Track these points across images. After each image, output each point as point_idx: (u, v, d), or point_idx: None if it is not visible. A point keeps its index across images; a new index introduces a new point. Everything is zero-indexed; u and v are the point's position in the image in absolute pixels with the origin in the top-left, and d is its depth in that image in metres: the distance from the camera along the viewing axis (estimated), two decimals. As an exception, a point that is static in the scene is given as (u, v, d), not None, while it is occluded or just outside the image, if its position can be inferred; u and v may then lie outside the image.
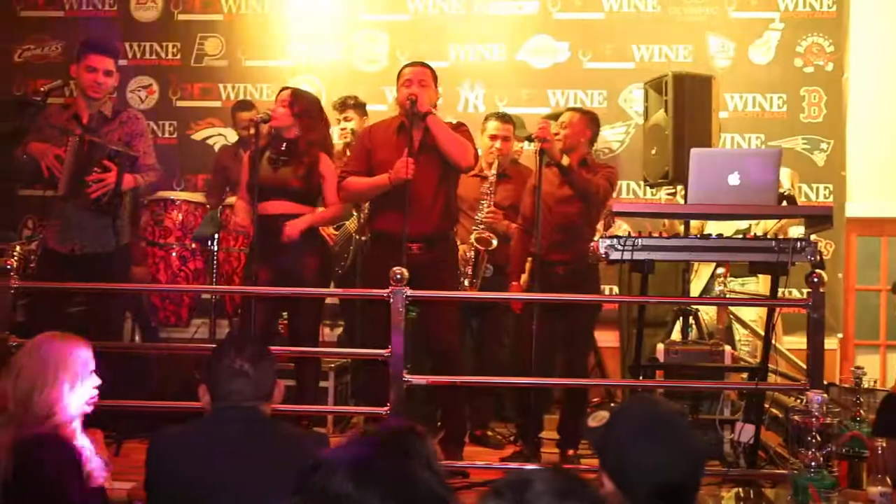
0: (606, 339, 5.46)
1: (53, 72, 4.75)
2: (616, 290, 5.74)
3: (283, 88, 4.57)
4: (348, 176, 4.38)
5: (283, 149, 4.44)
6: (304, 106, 4.46)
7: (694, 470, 1.75)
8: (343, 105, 5.52)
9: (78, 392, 2.63)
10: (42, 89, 4.56)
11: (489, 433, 4.91)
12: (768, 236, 3.80)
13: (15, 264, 3.98)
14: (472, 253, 4.72)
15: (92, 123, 4.47)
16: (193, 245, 5.29)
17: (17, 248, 4.83)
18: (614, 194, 4.86)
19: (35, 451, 2.52)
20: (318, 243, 4.56)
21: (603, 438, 1.78)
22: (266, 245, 4.28)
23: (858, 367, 3.80)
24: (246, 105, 5.80)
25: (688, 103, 5.06)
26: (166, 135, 6.44)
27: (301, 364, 4.48)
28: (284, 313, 4.72)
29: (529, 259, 4.47)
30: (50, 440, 2.55)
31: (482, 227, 4.78)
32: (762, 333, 4.38)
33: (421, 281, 3.94)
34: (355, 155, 4.53)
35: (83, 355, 2.66)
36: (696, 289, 5.00)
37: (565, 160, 4.35)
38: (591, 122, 4.64)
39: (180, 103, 6.52)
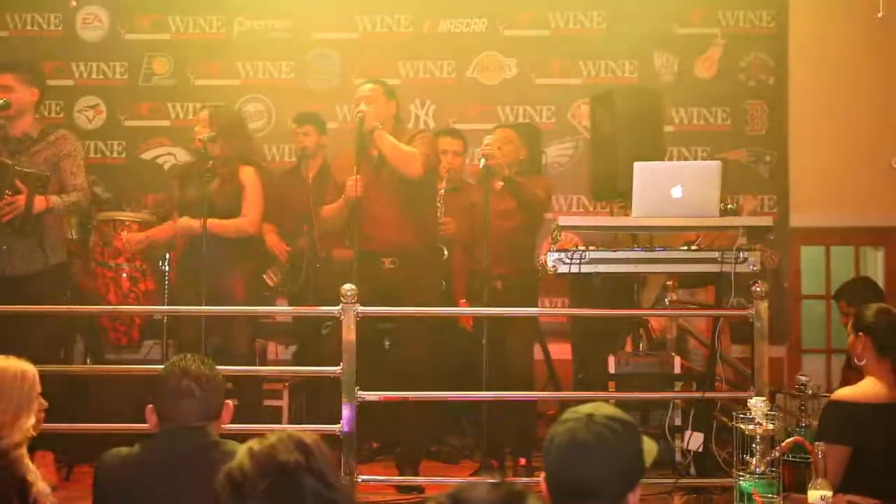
0: (559, 351, 5.50)
1: (-3, 94, 4.67)
2: (567, 302, 5.80)
3: (200, 110, 4.67)
4: (324, 207, 4.54)
5: (208, 166, 4.48)
6: (222, 122, 4.53)
7: (629, 479, 1.79)
8: (303, 118, 5.52)
9: (25, 416, 2.59)
10: None
11: (445, 448, 4.93)
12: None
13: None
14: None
15: (18, 144, 4.41)
16: (144, 265, 5.25)
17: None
18: (564, 206, 4.97)
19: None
20: (245, 262, 4.60)
21: (546, 445, 1.84)
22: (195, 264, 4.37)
23: (802, 374, 3.88)
24: (307, 118, 5.51)
25: (634, 117, 5.14)
26: (115, 154, 6.39)
27: (241, 383, 4.49)
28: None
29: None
30: (-5, 466, 2.51)
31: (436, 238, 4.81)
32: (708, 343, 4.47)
33: (397, 295, 3.98)
34: (328, 186, 4.65)
35: (29, 378, 2.63)
36: (647, 300, 5.08)
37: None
38: (524, 136, 4.78)
39: (129, 123, 6.47)
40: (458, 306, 4.67)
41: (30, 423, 2.62)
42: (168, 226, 4.80)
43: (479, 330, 4.45)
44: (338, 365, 3.81)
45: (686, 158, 6.22)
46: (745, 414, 2.93)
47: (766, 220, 4.00)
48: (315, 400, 5.13)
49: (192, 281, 4.40)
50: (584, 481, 1.77)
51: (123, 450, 2.43)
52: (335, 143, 5.43)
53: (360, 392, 3.78)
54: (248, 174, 4.57)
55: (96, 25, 6.48)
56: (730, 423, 3.90)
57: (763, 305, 3.67)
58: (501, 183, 4.48)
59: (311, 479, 1.56)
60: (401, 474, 4.26)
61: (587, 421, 1.84)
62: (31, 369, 2.67)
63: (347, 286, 3.77)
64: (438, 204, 4.87)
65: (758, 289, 3.67)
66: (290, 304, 5.45)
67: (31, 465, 2.61)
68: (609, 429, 1.82)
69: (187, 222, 4.52)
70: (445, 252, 4.71)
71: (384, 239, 4.23)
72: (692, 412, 4.10)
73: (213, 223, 4.47)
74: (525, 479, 4.26)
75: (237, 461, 1.60)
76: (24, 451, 2.59)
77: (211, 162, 4.50)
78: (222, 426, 2.49)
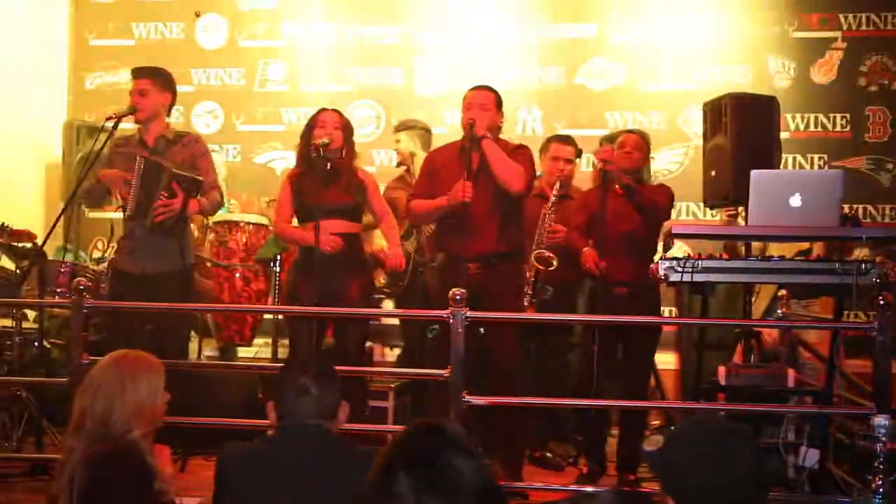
0: (665, 361, 5.42)
1: (123, 99, 4.89)
2: (675, 311, 5.70)
3: (323, 110, 4.60)
4: (413, 199, 4.50)
5: (329, 168, 4.47)
6: (349, 124, 4.58)
7: (755, 489, 1.73)
8: (396, 128, 5.60)
9: (153, 409, 2.70)
10: (111, 115, 4.66)
11: (548, 454, 4.90)
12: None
13: (87, 284, 4.10)
14: (532, 272, 4.73)
15: (157, 146, 4.55)
16: (256, 266, 5.40)
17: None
18: (673, 214, 4.86)
19: (106, 466, 2.57)
20: (361, 265, 4.62)
21: (661, 461, 1.77)
22: (312, 267, 4.34)
23: (926, 392, 3.72)
24: (407, 124, 5.62)
25: (748, 124, 5.02)
26: (230, 158, 6.59)
27: (347, 384, 4.53)
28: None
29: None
30: (121, 455, 2.60)
31: (543, 246, 4.78)
32: (825, 356, 4.32)
33: (480, 301, 3.97)
34: (420, 178, 4.65)
35: (157, 372, 2.73)
36: (758, 310, 4.95)
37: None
38: (648, 143, 4.69)
39: (243, 127, 6.67)
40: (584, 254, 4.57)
41: (157, 416, 2.72)
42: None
43: (588, 337, 4.43)
44: (441, 368, 3.83)
45: (801, 166, 6.04)
46: (868, 431, 2.83)
47: (889, 231, 3.85)
48: (419, 402, 5.17)
49: (311, 281, 4.41)
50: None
51: (244, 444, 2.50)
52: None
53: (467, 396, 3.79)
54: (366, 175, 4.59)
55: (215, 33, 6.72)
56: (849, 441, 3.79)
57: (887, 318, 3.53)
58: (619, 189, 4.43)
59: (459, 456, 1.57)
60: (502, 479, 4.25)
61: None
62: (159, 363, 2.77)
63: (457, 291, 3.79)
64: (549, 212, 4.83)
65: (882, 301, 3.53)
66: (395, 307, 5.52)
67: (155, 457, 2.70)
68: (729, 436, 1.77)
69: (333, 226, 4.40)
70: (555, 262, 4.66)
71: (475, 244, 4.22)
72: (807, 428, 3.96)
73: (387, 232, 4.57)
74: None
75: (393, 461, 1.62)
76: (150, 442, 2.69)
77: (330, 164, 4.45)
78: (340, 426, 2.53)
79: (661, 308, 4.94)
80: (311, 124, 4.52)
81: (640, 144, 4.62)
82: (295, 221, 4.63)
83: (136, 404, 2.64)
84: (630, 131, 5.00)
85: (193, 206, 4.45)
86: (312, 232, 4.30)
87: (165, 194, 4.36)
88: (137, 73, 4.59)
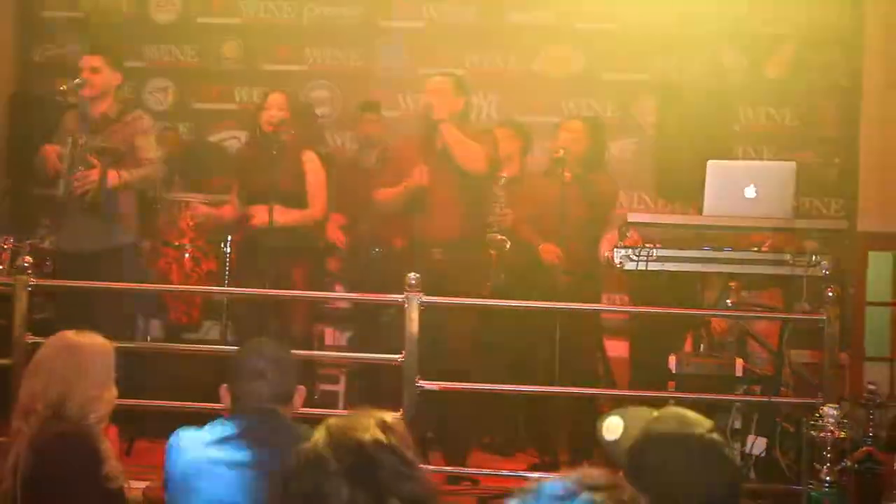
0: (617, 348, 5.46)
1: (72, 72, 4.77)
2: (627, 299, 5.75)
3: (272, 92, 4.62)
4: (379, 190, 4.52)
5: (273, 152, 4.47)
6: (295, 106, 4.60)
7: (733, 488, 1.73)
8: (368, 106, 5.55)
9: (108, 391, 2.64)
10: (61, 88, 4.59)
11: (498, 441, 4.91)
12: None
13: (31, 262, 4.01)
14: (488, 257, 4.73)
15: (96, 124, 4.51)
16: (206, 246, 5.30)
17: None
18: (626, 204, 4.92)
19: (53, 451, 2.51)
20: (307, 250, 4.61)
21: (636, 459, 1.74)
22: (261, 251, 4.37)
23: (871, 383, 3.80)
24: (373, 106, 5.67)
25: (702, 115, 5.08)
26: (183, 137, 6.47)
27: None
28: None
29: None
30: (69, 440, 2.54)
31: (495, 229, 4.78)
32: (773, 346, 4.39)
33: (443, 285, 3.97)
34: (384, 168, 4.71)
35: (109, 354, 2.67)
36: (708, 300, 5.00)
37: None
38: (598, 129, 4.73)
39: (197, 105, 6.55)
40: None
41: (112, 397, 2.66)
42: (230, 208, 4.79)
43: (537, 323, 4.44)
44: (393, 352, 3.81)
45: (752, 158, 6.11)
46: (815, 420, 2.88)
47: (841, 224, 3.92)
48: (372, 386, 5.15)
49: (255, 264, 4.43)
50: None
51: (196, 429, 2.45)
52: (395, 131, 5.45)
53: (420, 381, 3.78)
54: (311, 161, 4.57)
55: (169, 8, 6.57)
56: (795, 429, 3.86)
57: (835, 311, 3.59)
58: (569, 176, 4.45)
59: (392, 457, 1.55)
60: (448, 464, 4.26)
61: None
62: (109, 345, 2.71)
63: (412, 275, 3.77)
64: (499, 194, 4.84)
65: (831, 294, 3.60)
66: (347, 291, 5.48)
67: (106, 440, 2.64)
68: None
69: (256, 212, 4.48)
70: (508, 243, 4.67)
71: (437, 229, 4.23)
72: (755, 416, 4.03)
73: (281, 215, 4.46)
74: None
75: (315, 439, 1.60)
76: (104, 425, 2.63)
77: (275, 148, 4.48)
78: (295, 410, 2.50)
79: (613, 296, 5.02)
80: (260, 106, 4.56)
81: (585, 131, 4.65)
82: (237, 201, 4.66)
83: (93, 388, 2.58)
84: (578, 118, 5.05)
85: (113, 178, 4.38)
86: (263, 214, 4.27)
87: (82, 167, 4.33)
88: (91, 49, 4.56)
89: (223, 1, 6.55)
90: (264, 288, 4.33)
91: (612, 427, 1.80)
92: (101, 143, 4.41)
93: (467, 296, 4.21)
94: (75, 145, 4.35)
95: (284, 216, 4.47)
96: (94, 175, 4.32)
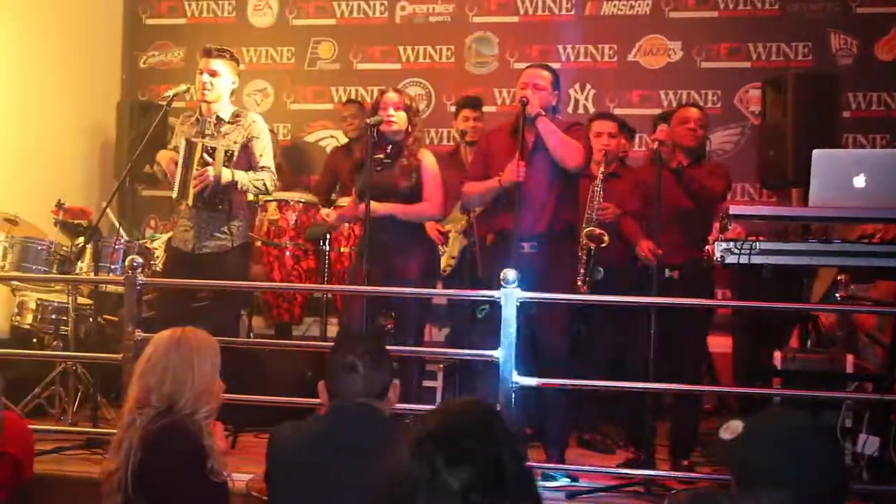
0: (719, 344, 5.32)
1: (176, 77, 4.93)
2: (729, 294, 5.59)
3: (385, 90, 4.59)
4: (467, 181, 4.49)
5: (388, 150, 4.48)
6: (412, 107, 4.54)
7: (835, 494, 1.66)
8: (465, 102, 5.55)
9: (217, 387, 2.71)
10: (166, 94, 4.71)
11: (598, 437, 4.86)
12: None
13: (140, 261, 4.16)
14: (584, 252, 4.67)
15: (210, 126, 4.58)
16: (306, 245, 5.40)
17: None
18: (728, 195, 4.76)
19: (162, 444, 2.60)
20: (423, 244, 4.59)
21: (739, 453, 1.70)
22: (373, 245, 4.34)
23: None
24: (469, 102, 5.64)
25: (808, 103, 4.90)
26: (281, 136, 6.61)
27: (404, 364, 4.52)
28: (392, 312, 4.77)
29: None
30: (177, 434, 2.62)
31: (594, 223, 4.72)
32: (886, 341, 4.21)
33: (534, 280, 3.93)
34: (474, 160, 4.63)
35: (217, 350, 2.74)
36: (816, 294, 4.82)
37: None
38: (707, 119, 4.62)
39: (294, 106, 6.68)
40: (640, 246, 4.51)
41: (220, 393, 2.73)
42: (352, 206, 4.79)
43: (638, 320, 4.36)
44: (489, 348, 3.80)
45: (863, 146, 5.87)
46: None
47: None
48: (468, 382, 5.15)
49: (369, 261, 4.41)
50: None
51: (296, 422, 2.50)
52: (491, 126, 5.42)
53: (517, 377, 3.76)
54: (428, 158, 4.56)
55: (266, 11, 6.73)
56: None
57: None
58: (675, 166, 4.34)
59: (500, 447, 1.55)
60: (546, 460, 4.22)
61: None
62: (215, 342, 2.78)
63: (509, 271, 3.75)
64: (597, 189, 4.77)
65: (947, 286, 3.42)
66: (444, 287, 5.49)
67: (210, 434, 2.71)
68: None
69: (376, 207, 4.41)
70: (607, 238, 4.60)
71: (528, 224, 4.18)
72: (867, 414, 3.86)
73: (402, 209, 4.45)
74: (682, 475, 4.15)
75: (426, 427, 1.60)
76: (212, 421, 2.70)
77: (391, 146, 4.47)
78: (392, 405, 2.51)
79: (715, 290, 4.87)
80: (374, 106, 4.54)
81: (701, 120, 4.52)
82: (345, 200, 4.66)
83: (203, 384, 2.65)
84: (690, 105, 4.88)
85: (227, 175, 4.42)
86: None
87: (198, 167, 4.40)
88: (211, 52, 4.57)
89: (317, 2, 6.66)
90: (382, 284, 4.33)
91: (732, 427, 1.77)
92: (212, 142, 4.47)
93: (562, 291, 4.16)
94: (191, 148, 4.43)
95: (399, 209, 4.45)
96: (209, 172, 4.38)
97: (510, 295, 3.72)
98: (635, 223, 4.53)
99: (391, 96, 4.50)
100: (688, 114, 4.55)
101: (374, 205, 4.35)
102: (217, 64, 4.53)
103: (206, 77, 4.51)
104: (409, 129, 4.49)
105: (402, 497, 1.55)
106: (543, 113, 4.25)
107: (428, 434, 1.59)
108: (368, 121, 4.44)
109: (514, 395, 3.75)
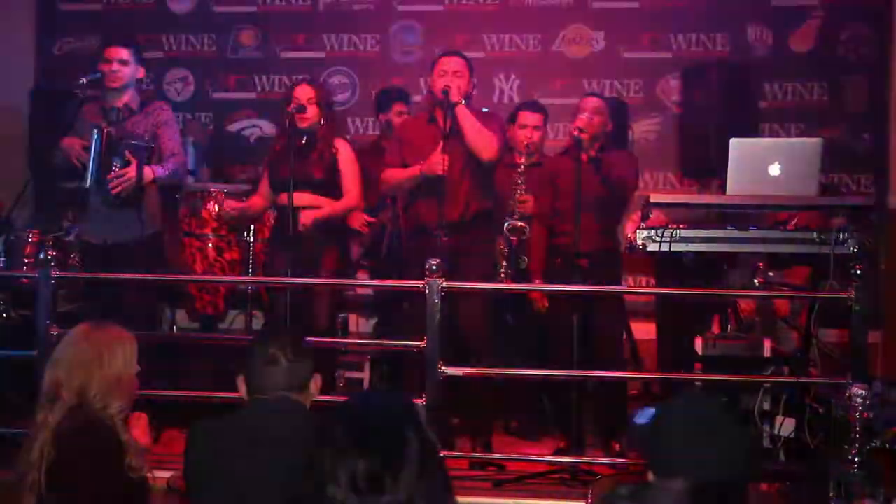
0: (643, 330, 5.41)
1: (91, 65, 4.79)
2: (653, 280, 5.69)
3: (300, 84, 4.60)
4: (386, 169, 4.49)
5: (303, 142, 4.48)
6: (326, 99, 4.55)
7: (743, 470, 1.70)
8: (389, 94, 5.53)
9: (129, 381, 2.65)
10: (80, 82, 4.60)
11: (524, 426, 4.89)
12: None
13: (54, 255, 4.04)
14: (506, 244, 4.69)
15: (118, 115, 4.51)
16: (229, 236, 5.31)
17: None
18: (640, 184, 4.86)
19: (77, 442, 2.53)
20: (335, 236, 4.59)
21: (648, 435, 1.74)
22: (289, 237, 4.34)
23: (902, 362, 3.72)
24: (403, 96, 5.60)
25: (727, 93, 4.99)
26: (202, 125, 6.48)
27: (318, 356, 4.50)
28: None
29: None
30: (92, 431, 2.56)
31: (516, 216, 4.74)
32: (801, 326, 4.32)
33: (448, 268, 3.94)
34: (391, 148, 4.62)
35: (130, 343, 2.69)
36: (735, 280, 4.93)
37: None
38: (613, 109, 4.69)
39: (216, 95, 6.56)
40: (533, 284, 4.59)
41: (133, 388, 2.67)
42: (258, 199, 4.78)
43: (558, 308, 4.41)
44: (416, 338, 3.79)
45: (779, 135, 6.01)
46: (843, 401, 2.82)
47: (867, 200, 3.83)
48: (395, 373, 5.14)
49: (284, 253, 4.41)
50: None
51: (215, 418, 2.46)
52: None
53: (443, 367, 3.76)
54: (344, 148, 4.56)
55: (186, -2, 6.58)
56: (824, 410, 3.80)
57: (865, 289, 3.52)
58: (586, 158, 4.39)
59: (410, 430, 1.57)
60: (472, 449, 4.25)
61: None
62: (130, 335, 2.72)
63: (432, 260, 3.75)
64: (519, 181, 4.79)
65: (859, 271, 3.52)
66: (370, 277, 5.47)
67: (129, 430, 2.66)
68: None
69: (303, 215, 4.44)
70: (527, 230, 4.62)
71: (444, 212, 4.21)
72: (783, 397, 3.97)
73: (324, 210, 4.47)
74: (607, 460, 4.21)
75: (332, 417, 1.61)
76: (125, 416, 2.64)
77: (305, 137, 4.49)
78: (312, 398, 2.49)
79: (637, 278, 4.97)
80: (287, 99, 4.53)
81: (600, 108, 4.57)
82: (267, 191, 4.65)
83: (113, 377, 2.60)
84: (593, 94, 4.97)
85: (148, 175, 4.39)
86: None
87: (117, 165, 4.33)
88: (117, 41, 4.55)
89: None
90: (296, 276, 4.32)
91: (646, 413, 1.80)
92: (131, 137, 4.40)
93: (477, 280, 4.18)
94: (102, 136, 4.36)
95: (327, 210, 4.47)
96: (131, 173, 4.32)
97: (434, 284, 3.72)
98: (543, 238, 4.58)
99: (303, 90, 4.51)
100: (589, 103, 4.59)
101: (305, 213, 4.39)
102: (124, 52, 4.49)
103: (115, 65, 4.46)
104: (322, 122, 4.50)
105: (312, 486, 1.55)
106: (463, 102, 4.27)
107: (333, 422, 1.58)
108: (290, 109, 4.43)
109: (439, 385, 3.75)
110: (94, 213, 4.51)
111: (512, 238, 4.65)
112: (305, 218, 4.41)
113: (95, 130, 4.38)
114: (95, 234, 4.51)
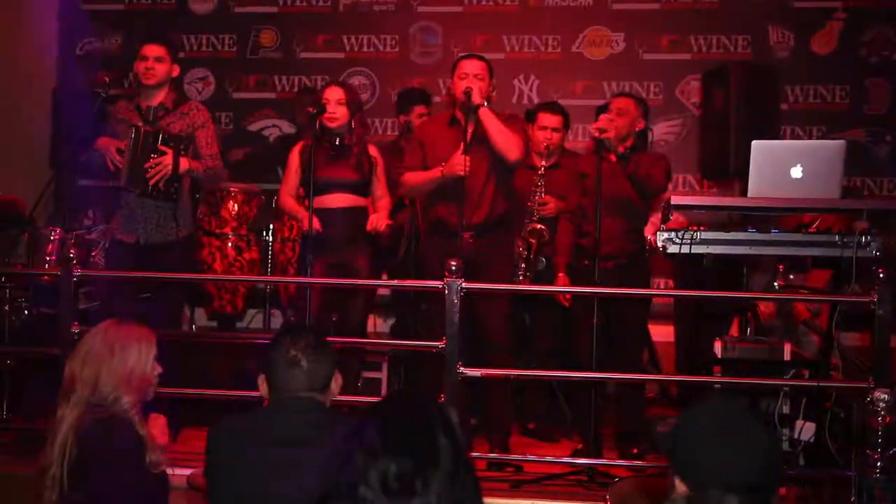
0: (661, 333, 5.39)
1: (114, 64, 4.83)
2: (672, 283, 5.66)
3: (330, 85, 4.59)
4: (405, 172, 4.48)
5: (336, 143, 4.48)
6: (355, 100, 4.53)
7: (769, 469, 1.69)
8: (409, 95, 5.53)
9: (141, 377, 2.66)
10: (105, 80, 4.62)
11: (542, 427, 4.88)
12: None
13: (76, 253, 4.06)
14: (525, 246, 4.68)
15: (153, 114, 4.51)
16: (249, 235, 5.33)
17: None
18: (669, 186, 4.81)
19: (98, 438, 2.56)
20: (369, 237, 4.59)
21: (673, 440, 1.73)
22: (322, 238, 4.32)
23: (925, 366, 3.68)
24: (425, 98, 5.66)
25: (748, 95, 4.96)
26: (222, 126, 6.51)
27: (345, 356, 4.51)
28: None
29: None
30: (113, 427, 2.58)
31: (535, 218, 4.74)
32: (822, 329, 4.29)
33: (471, 270, 3.93)
34: (411, 150, 4.60)
35: (147, 341, 2.70)
36: (756, 283, 4.90)
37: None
38: (643, 108, 4.64)
39: (236, 95, 6.59)
40: (556, 282, 4.56)
41: (147, 386, 2.69)
42: (288, 199, 4.73)
43: (580, 309, 4.39)
44: (434, 339, 3.79)
45: (800, 138, 5.98)
46: (865, 406, 2.80)
47: (892, 203, 3.79)
48: (413, 373, 5.14)
49: (319, 254, 4.40)
50: None
51: (236, 417, 2.47)
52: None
53: (461, 367, 3.75)
54: (378, 156, 4.58)
55: (206, -1, 6.62)
56: (845, 415, 3.77)
57: (888, 292, 3.49)
58: (614, 157, 4.36)
59: (442, 434, 1.57)
60: (491, 450, 4.24)
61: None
62: (150, 333, 2.74)
63: (452, 261, 3.74)
64: (539, 183, 4.78)
65: (882, 275, 3.49)
66: (389, 278, 5.48)
67: (148, 428, 2.67)
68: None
69: (338, 200, 4.45)
70: (547, 235, 4.62)
71: (467, 214, 4.20)
72: (804, 401, 3.94)
73: (382, 209, 4.52)
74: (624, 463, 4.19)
75: (366, 417, 1.60)
76: (139, 411, 2.66)
77: (338, 139, 4.49)
78: (333, 397, 2.49)
79: (657, 280, 4.92)
80: (317, 99, 4.53)
81: (627, 108, 4.54)
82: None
83: (124, 371, 2.62)
84: (622, 94, 4.93)
85: (184, 165, 4.40)
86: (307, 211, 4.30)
87: (155, 156, 4.35)
88: (155, 39, 4.55)
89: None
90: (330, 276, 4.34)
91: (669, 423, 1.80)
92: (165, 131, 4.40)
93: (499, 281, 4.18)
94: (139, 136, 4.36)
95: (386, 213, 4.52)
96: (167, 161, 4.33)
97: (453, 285, 3.71)
98: (569, 234, 4.54)
99: (333, 91, 4.49)
100: (615, 103, 4.57)
101: (375, 219, 4.43)
102: (160, 50, 4.49)
103: (150, 63, 4.45)
104: (354, 125, 4.49)
105: (343, 487, 1.54)
106: (486, 104, 4.26)
107: (367, 423, 1.58)
108: (310, 111, 4.43)
109: (458, 385, 3.75)
110: (129, 212, 4.50)
111: (531, 240, 4.65)
112: (378, 223, 4.42)
113: (133, 130, 4.38)
114: (129, 232, 4.50)
